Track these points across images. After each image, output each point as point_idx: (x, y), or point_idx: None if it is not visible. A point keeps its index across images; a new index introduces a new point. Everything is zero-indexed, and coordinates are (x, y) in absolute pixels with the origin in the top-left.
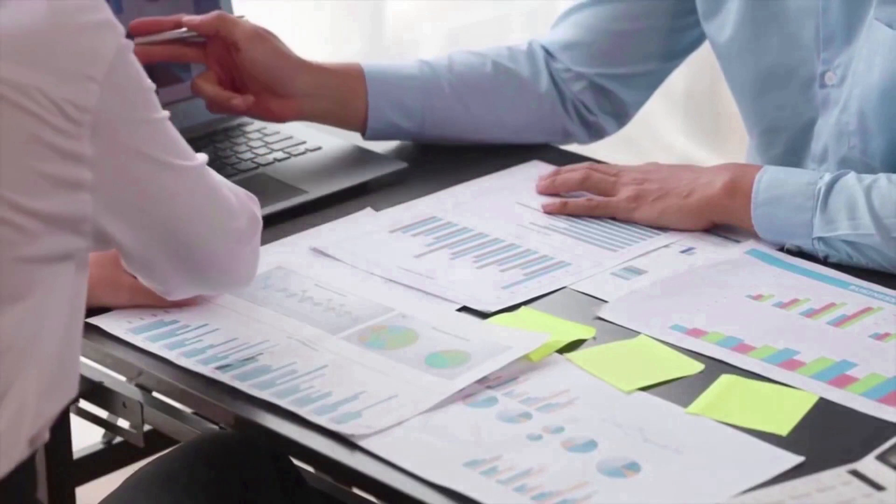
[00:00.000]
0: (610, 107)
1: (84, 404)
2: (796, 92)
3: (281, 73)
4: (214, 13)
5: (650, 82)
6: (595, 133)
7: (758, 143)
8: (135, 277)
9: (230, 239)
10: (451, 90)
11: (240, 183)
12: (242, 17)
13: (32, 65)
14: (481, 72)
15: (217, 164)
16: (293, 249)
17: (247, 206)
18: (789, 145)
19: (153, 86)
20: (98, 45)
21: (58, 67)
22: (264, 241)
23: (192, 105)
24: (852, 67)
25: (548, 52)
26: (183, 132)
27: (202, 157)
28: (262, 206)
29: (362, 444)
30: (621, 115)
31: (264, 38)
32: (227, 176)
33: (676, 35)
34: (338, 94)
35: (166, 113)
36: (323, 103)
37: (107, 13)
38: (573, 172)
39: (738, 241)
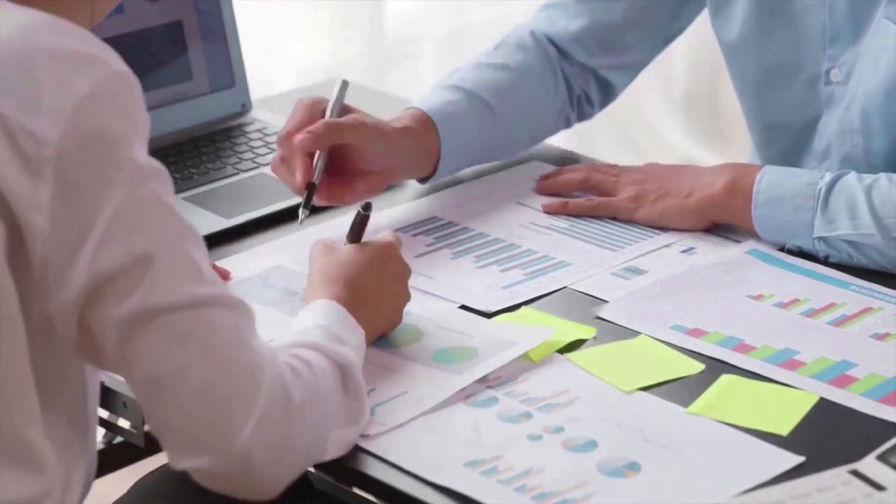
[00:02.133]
0: (604, 96)
1: None
2: (800, 89)
3: (389, 158)
4: (322, 125)
5: (643, 66)
6: (581, 118)
7: (759, 140)
8: None
9: (236, 411)
10: (499, 119)
11: (240, 183)
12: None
13: None
14: (518, 94)
15: (217, 164)
16: (293, 249)
17: (283, 378)
18: (791, 142)
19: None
20: (70, 77)
21: (19, 89)
22: (265, 240)
23: (193, 105)
24: (858, 65)
25: (555, 46)
26: (183, 132)
27: (216, 286)
28: (262, 206)
29: (363, 444)
30: (608, 101)
31: (377, 133)
32: (227, 176)
33: (676, 20)
34: (420, 156)
35: (169, 198)
36: (408, 169)
37: (91, 47)
38: (574, 173)
39: (738, 241)
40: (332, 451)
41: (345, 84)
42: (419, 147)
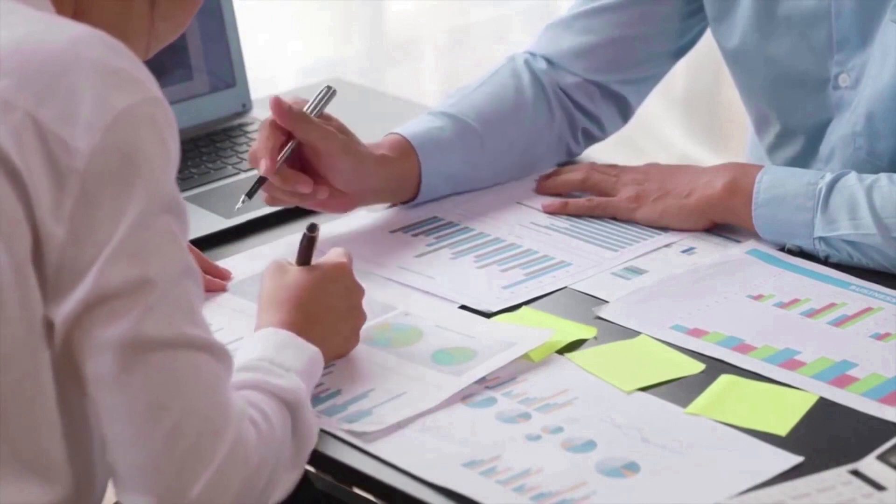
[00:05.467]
0: (618, 112)
1: None
2: (809, 95)
3: (358, 181)
4: (296, 115)
5: (655, 81)
6: (589, 142)
7: (770, 145)
8: None
9: (196, 462)
10: (485, 150)
11: (240, 183)
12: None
13: (30, 87)
14: (508, 124)
15: (217, 164)
16: (293, 249)
17: (244, 440)
18: (802, 147)
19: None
20: (111, 92)
21: (59, 98)
22: (265, 240)
23: (193, 105)
24: (867, 69)
25: (556, 70)
26: (183, 132)
27: (206, 331)
28: (262, 206)
29: (363, 444)
30: (626, 117)
31: (345, 148)
32: (227, 176)
33: (685, 33)
34: (396, 184)
35: (182, 236)
36: (382, 195)
37: (137, 71)
38: (574, 172)
39: (738, 241)
40: (276, 496)
41: (330, 91)
42: (395, 175)
